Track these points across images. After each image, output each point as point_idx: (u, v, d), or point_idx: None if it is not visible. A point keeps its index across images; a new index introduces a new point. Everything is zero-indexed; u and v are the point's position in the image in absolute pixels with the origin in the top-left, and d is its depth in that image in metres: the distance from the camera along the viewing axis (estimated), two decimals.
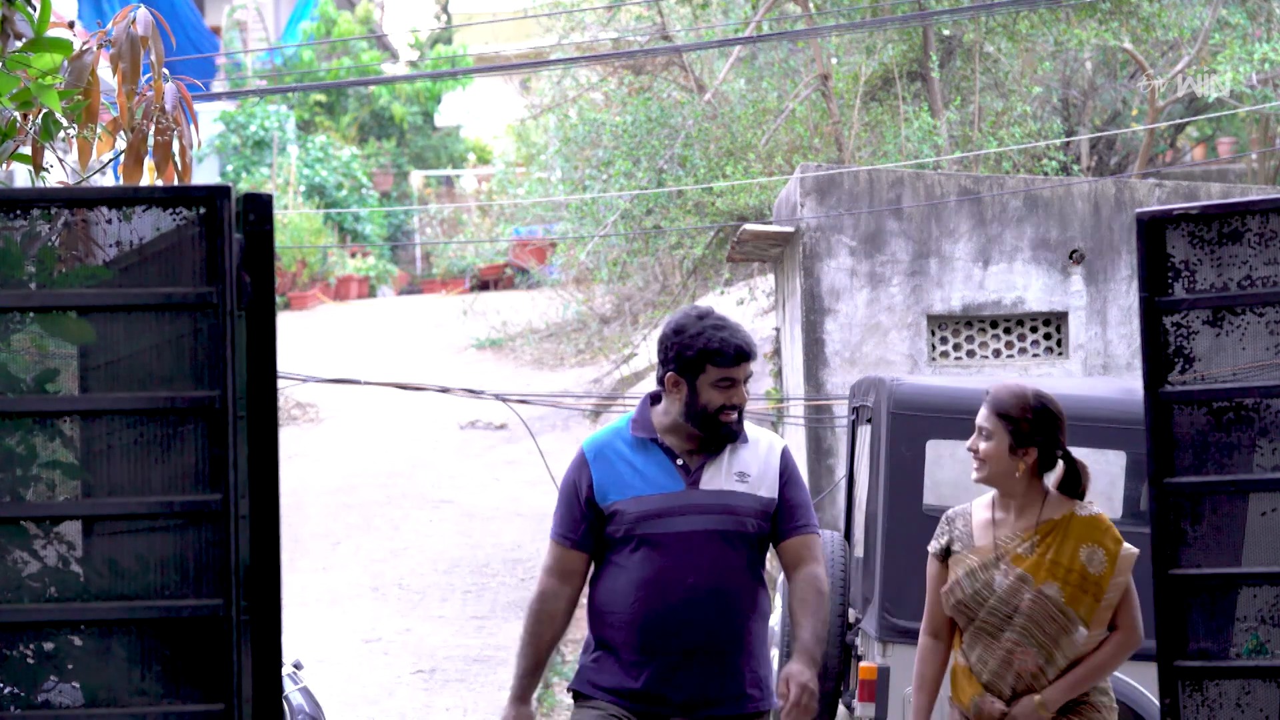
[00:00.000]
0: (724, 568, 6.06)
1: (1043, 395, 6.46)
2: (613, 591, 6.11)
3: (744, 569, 6.11)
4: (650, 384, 23.99)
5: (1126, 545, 6.30)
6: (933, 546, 6.52)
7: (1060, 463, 6.47)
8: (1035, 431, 6.34)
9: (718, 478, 6.11)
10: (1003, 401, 6.41)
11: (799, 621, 6.13)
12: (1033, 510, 6.38)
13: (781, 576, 11.58)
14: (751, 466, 6.15)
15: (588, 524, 6.16)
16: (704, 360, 6.04)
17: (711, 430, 6.09)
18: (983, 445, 6.39)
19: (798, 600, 6.15)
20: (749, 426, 6.21)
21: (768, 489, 6.16)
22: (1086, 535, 6.30)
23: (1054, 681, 6.26)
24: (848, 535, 11.93)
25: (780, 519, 6.19)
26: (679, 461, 6.12)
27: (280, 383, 4.43)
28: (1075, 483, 6.42)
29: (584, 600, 6.36)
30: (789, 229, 15.83)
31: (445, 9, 37.32)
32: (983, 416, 6.42)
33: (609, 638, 6.12)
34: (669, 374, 6.13)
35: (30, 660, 4.21)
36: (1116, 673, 10.47)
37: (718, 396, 6.06)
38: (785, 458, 6.24)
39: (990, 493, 6.48)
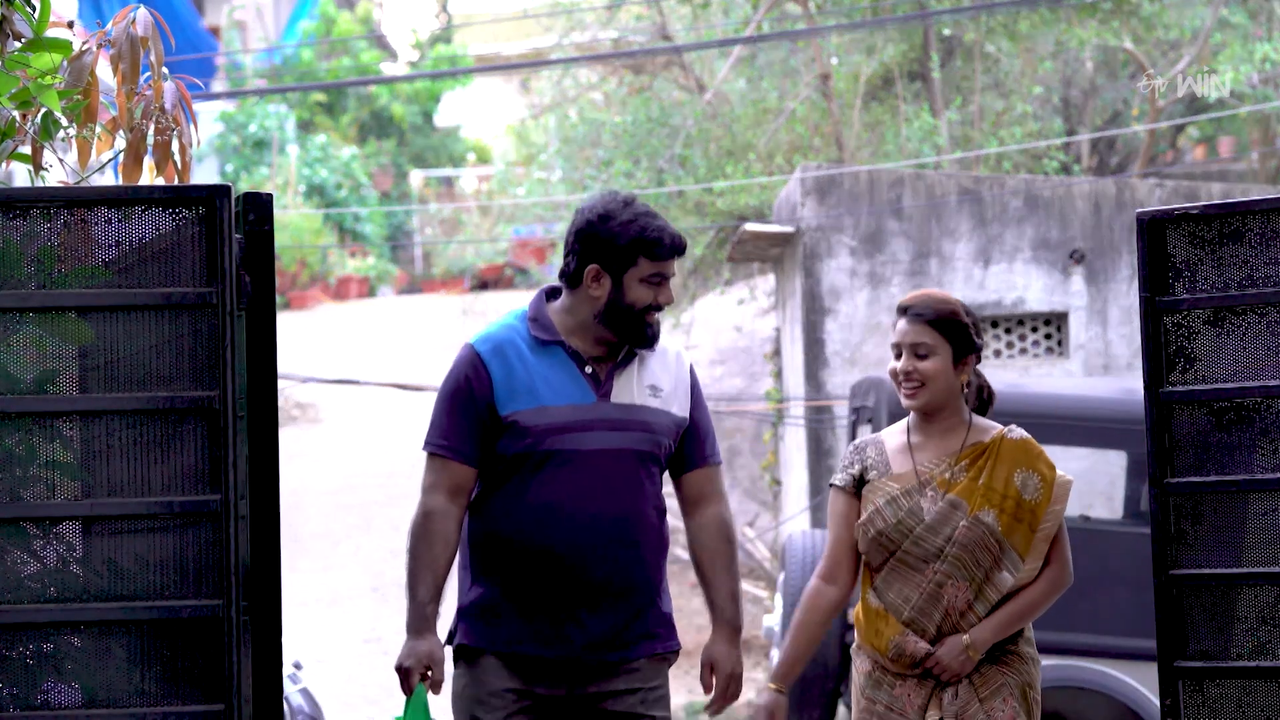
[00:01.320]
0: (637, 493, 5.30)
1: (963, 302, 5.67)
2: (508, 517, 5.27)
3: (655, 495, 5.36)
4: None
5: (1061, 472, 5.59)
6: (839, 479, 5.64)
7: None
8: (976, 337, 5.55)
9: (629, 390, 5.33)
10: (935, 309, 5.54)
11: (712, 581, 5.44)
12: (957, 433, 5.57)
13: (783, 575, 11.55)
14: (663, 379, 5.38)
15: (482, 434, 5.29)
16: (637, 251, 5.26)
17: (633, 333, 5.30)
18: (922, 365, 5.51)
19: (707, 551, 5.45)
20: None
21: (680, 406, 5.41)
22: (1020, 459, 5.52)
23: (983, 620, 5.50)
24: None
25: (689, 445, 5.43)
26: (587, 369, 5.31)
27: (280, 383, 4.43)
28: (985, 404, 5.67)
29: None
30: (789, 229, 15.83)
31: (445, 9, 37.35)
32: (913, 332, 5.53)
33: (500, 572, 5.29)
34: (591, 266, 5.28)
35: (30, 661, 4.21)
36: (1115, 671, 10.49)
37: (646, 294, 5.28)
38: (693, 373, 5.51)
39: (901, 421, 5.70)
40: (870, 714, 5.55)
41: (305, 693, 10.33)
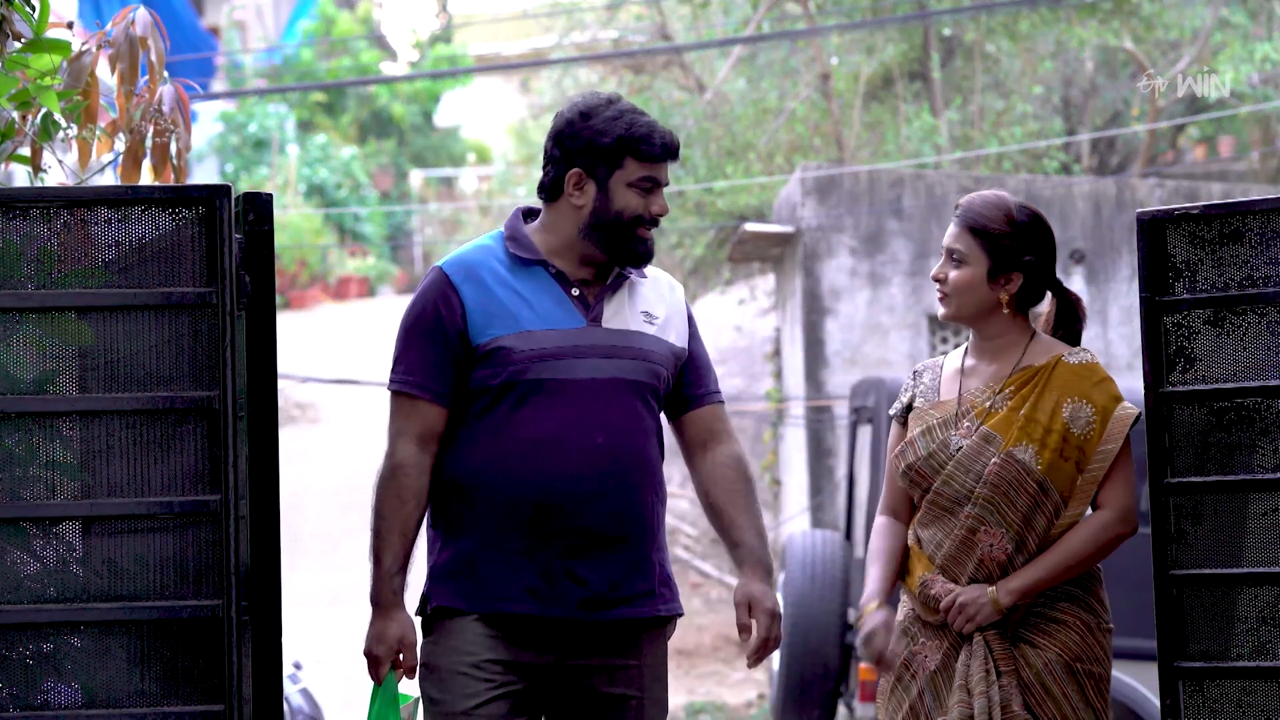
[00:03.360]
0: (636, 427, 4.69)
1: (1030, 206, 5.03)
2: (490, 457, 4.65)
3: (655, 431, 4.76)
4: None
5: (1125, 404, 4.93)
6: (895, 407, 5.13)
7: (1050, 297, 5.13)
8: (1021, 250, 4.95)
9: (621, 315, 4.73)
10: (979, 214, 4.97)
11: (734, 520, 4.81)
12: (1011, 355, 4.99)
13: (783, 575, 11.53)
14: (657, 307, 4.80)
15: (454, 369, 4.66)
16: (624, 151, 4.65)
17: (623, 248, 4.69)
18: (952, 273, 4.97)
19: (724, 490, 4.82)
20: None
21: (678, 336, 4.82)
22: (1073, 387, 4.91)
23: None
24: (848, 535, 11.93)
25: (689, 381, 4.84)
26: (574, 291, 4.71)
27: (280, 383, 4.42)
28: (1071, 321, 5.08)
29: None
30: (789, 229, 15.83)
31: (445, 9, 37.37)
32: (952, 236, 4.99)
33: (481, 521, 4.66)
34: (573, 170, 4.67)
35: (30, 661, 4.21)
36: (1115, 671, 10.48)
37: (636, 201, 4.67)
38: (687, 302, 4.94)
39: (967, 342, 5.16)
40: (889, 665, 5.02)
41: (305, 693, 10.34)
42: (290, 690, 10.20)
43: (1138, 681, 9.86)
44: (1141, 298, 4.87)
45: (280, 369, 4.43)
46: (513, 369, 4.63)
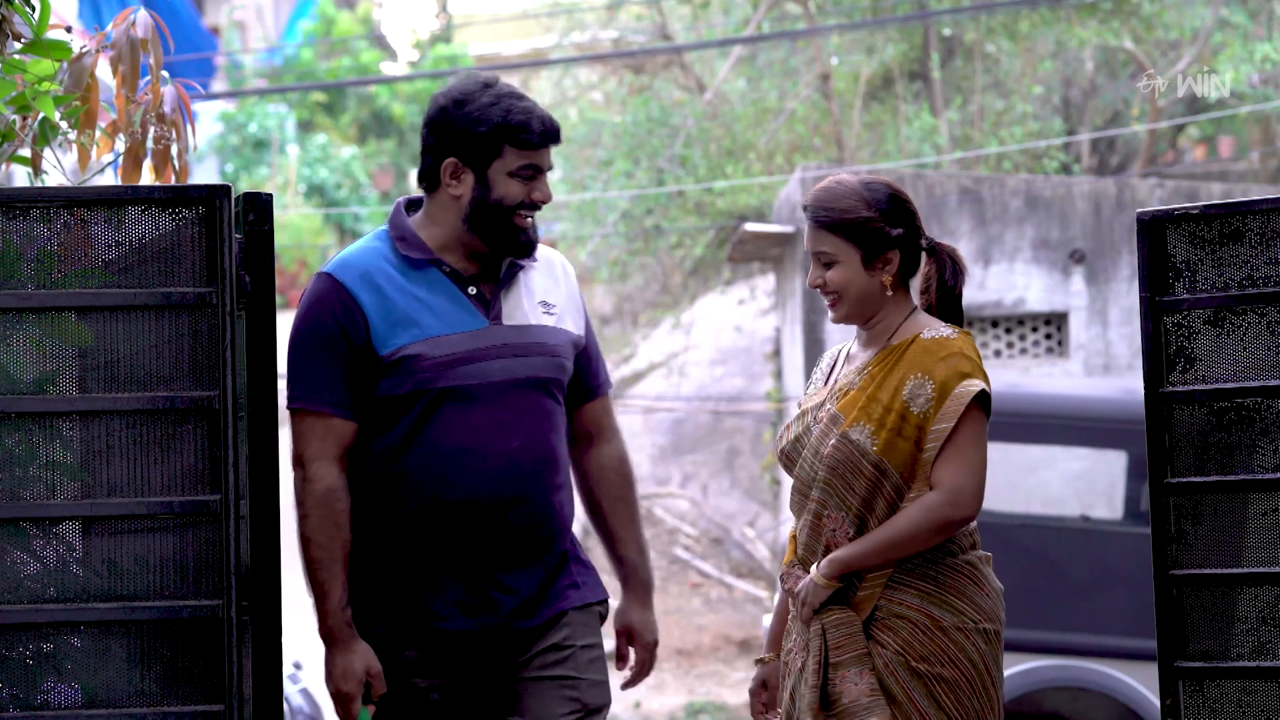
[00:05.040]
0: (548, 426, 4.54)
1: (878, 180, 4.74)
2: (404, 470, 4.49)
3: (562, 425, 4.62)
4: (654, 384, 24.04)
5: (970, 380, 4.55)
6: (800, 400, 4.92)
7: (924, 258, 4.80)
8: (890, 227, 4.67)
9: (520, 309, 4.57)
10: (834, 208, 4.65)
11: (617, 533, 4.72)
12: (885, 336, 4.68)
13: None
14: (553, 294, 4.64)
15: (360, 381, 4.51)
16: (500, 139, 4.47)
17: (504, 238, 4.52)
18: (828, 275, 4.65)
19: (609, 496, 4.72)
20: None
21: (574, 322, 4.66)
22: (918, 363, 4.58)
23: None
24: None
25: (584, 372, 4.69)
26: (470, 290, 4.54)
27: (280, 383, 4.43)
28: (954, 275, 4.77)
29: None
30: (789, 229, 15.84)
31: (445, 9, 37.37)
32: (814, 239, 4.67)
33: (400, 537, 4.51)
34: (448, 160, 4.51)
35: (30, 661, 4.21)
36: (1115, 671, 10.49)
37: (517, 189, 4.51)
38: (577, 282, 4.76)
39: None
40: (782, 663, 4.78)
41: (305, 693, 10.34)
42: (290, 690, 10.20)
43: (1138, 681, 9.86)
44: (1141, 298, 4.87)
45: (280, 369, 4.43)
46: (421, 377, 4.47)
